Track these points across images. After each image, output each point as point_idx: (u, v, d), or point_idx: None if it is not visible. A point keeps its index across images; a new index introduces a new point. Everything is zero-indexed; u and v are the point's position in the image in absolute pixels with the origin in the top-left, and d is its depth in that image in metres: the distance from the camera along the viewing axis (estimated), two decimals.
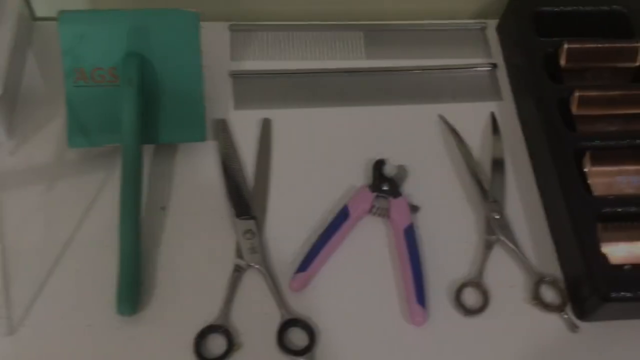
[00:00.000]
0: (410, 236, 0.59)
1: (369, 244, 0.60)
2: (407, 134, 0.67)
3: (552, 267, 0.60)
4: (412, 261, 0.57)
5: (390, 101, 0.69)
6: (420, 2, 0.75)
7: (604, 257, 0.55)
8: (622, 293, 0.53)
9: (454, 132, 0.67)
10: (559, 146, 0.61)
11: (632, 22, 0.69)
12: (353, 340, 0.55)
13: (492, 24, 0.76)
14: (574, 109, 0.63)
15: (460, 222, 0.62)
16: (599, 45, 0.66)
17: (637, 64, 0.66)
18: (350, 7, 0.75)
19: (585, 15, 0.70)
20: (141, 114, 0.59)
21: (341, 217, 0.60)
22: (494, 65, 0.72)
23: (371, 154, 0.65)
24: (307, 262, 0.57)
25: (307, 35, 0.73)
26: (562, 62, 0.66)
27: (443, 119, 0.68)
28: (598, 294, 0.53)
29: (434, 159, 0.66)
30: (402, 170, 0.64)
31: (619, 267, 0.56)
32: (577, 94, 0.63)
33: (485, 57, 0.73)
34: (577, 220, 0.57)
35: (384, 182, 0.62)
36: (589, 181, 0.60)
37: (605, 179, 0.60)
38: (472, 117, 0.69)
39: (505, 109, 0.70)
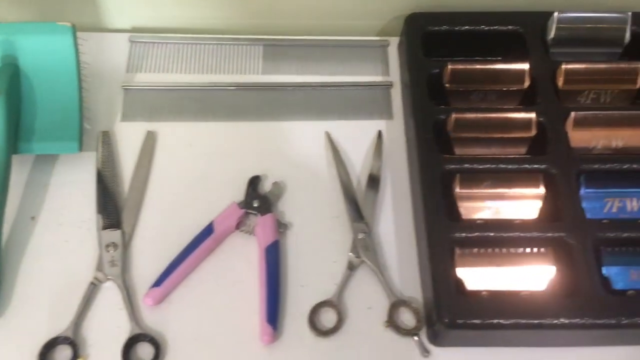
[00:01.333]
0: (271, 254, 0.59)
1: (234, 261, 0.60)
2: (293, 151, 0.67)
3: (415, 290, 0.59)
4: (268, 279, 0.57)
5: (281, 117, 0.69)
6: (325, 19, 0.75)
7: (456, 283, 0.55)
8: (468, 320, 0.53)
9: (335, 149, 0.66)
10: (427, 168, 0.60)
11: (528, 42, 0.68)
12: (201, 357, 0.55)
13: (395, 41, 0.75)
14: (450, 132, 0.62)
15: (330, 241, 0.62)
16: (485, 67, 0.65)
17: (525, 86, 0.65)
18: (253, 22, 0.75)
19: (481, 35, 0.70)
20: (10, 123, 0.60)
21: (205, 233, 0.60)
22: (391, 84, 0.72)
23: (254, 170, 0.65)
24: (163, 277, 0.57)
25: (207, 49, 0.73)
26: (446, 83, 0.65)
27: (328, 136, 0.68)
28: (441, 320, 0.53)
29: (315, 176, 0.66)
30: (278, 187, 0.64)
31: (472, 293, 0.55)
32: (453, 116, 0.62)
33: (383, 75, 0.73)
34: (433, 243, 0.56)
35: (256, 198, 0.62)
36: (458, 204, 0.60)
37: (474, 202, 0.60)
38: (361, 135, 0.68)
39: (395, 128, 0.69)
